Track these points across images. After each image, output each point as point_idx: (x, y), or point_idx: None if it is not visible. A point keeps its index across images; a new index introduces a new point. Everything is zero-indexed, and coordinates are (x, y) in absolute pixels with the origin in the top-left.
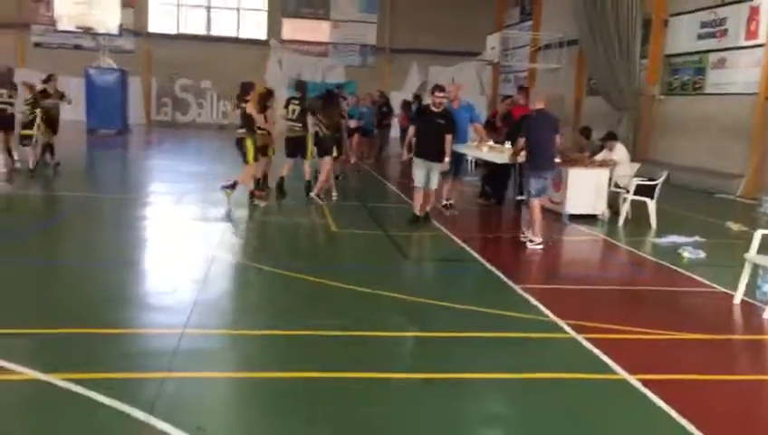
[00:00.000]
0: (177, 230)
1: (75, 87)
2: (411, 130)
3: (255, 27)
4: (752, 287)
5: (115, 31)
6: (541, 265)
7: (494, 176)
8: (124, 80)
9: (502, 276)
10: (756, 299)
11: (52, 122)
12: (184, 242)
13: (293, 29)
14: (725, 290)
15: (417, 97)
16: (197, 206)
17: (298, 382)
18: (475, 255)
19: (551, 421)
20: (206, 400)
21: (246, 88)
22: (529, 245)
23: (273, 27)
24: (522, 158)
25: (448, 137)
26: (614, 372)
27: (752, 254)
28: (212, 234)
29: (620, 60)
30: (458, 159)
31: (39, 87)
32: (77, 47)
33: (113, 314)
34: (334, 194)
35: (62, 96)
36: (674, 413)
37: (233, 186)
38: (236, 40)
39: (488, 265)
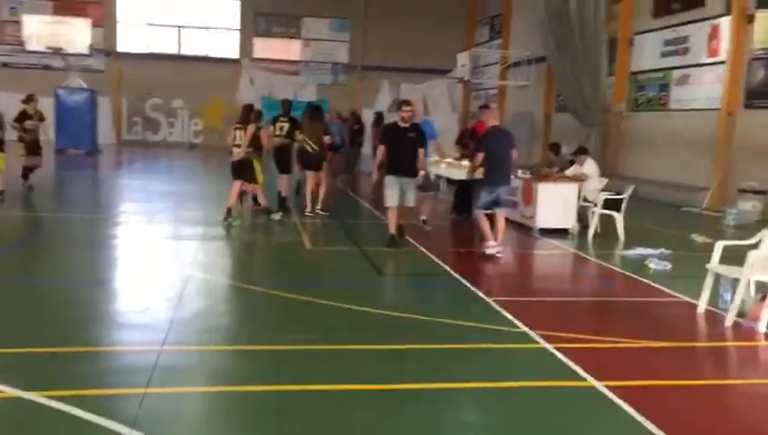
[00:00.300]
0: (151, 249)
1: (44, 107)
2: (381, 149)
3: (227, 46)
4: (714, 297)
5: (85, 51)
6: (512, 278)
7: (466, 191)
8: (93, 99)
9: (474, 289)
10: (719, 308)
11: (33, 145)
12: (158, 261)
13: (265, 48)
14: (690, 300)
15: (379, 114)
16: (170, 225)
17: (275, 396)
18: (448, 269)
19: (523, 428)
20: (187, 414)
21: (251, 110)
22: (487, 251)
23: (245, 46)
24: (480, 174)
25: (420, 151)
26: (583, 380)
27: (713, 264)
28: (186, 252)
29: (587, 77)
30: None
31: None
32: (46, 67)
33: (91, 333)
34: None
35: (41, 117)
36: (639, 417)
37: (266, 210)
38: (207, 59)
39: (461, 279)
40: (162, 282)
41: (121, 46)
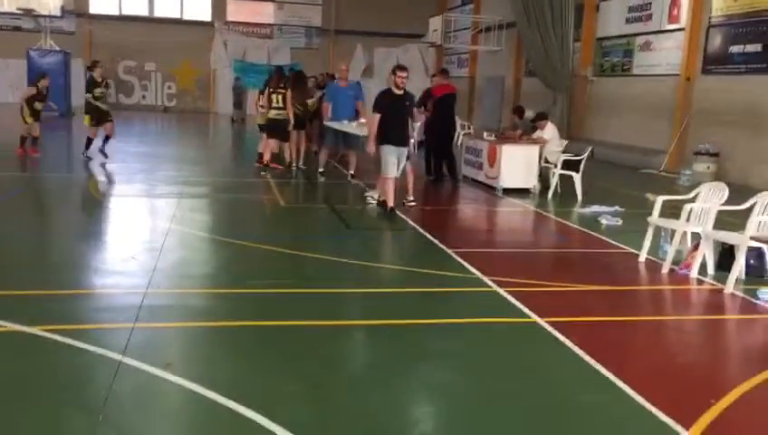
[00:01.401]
0: (133, 205)
1: (16, 69)
2: (376, 118)
3: (199, 8)
4: (655, 247)
5: (57, 12)
6: (473, 232)
7: (437, 153)
8: (67, 61)
9: (437, 242)
10: (659, 257)
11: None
12: (140, 216)
13: (238, 10)
14: (634, 251)
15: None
16: (148, 184)
17: (253, 330)
18: (413, 224)
19: (476, 354)
20: (172, 344)
21: (283, 75)
22: (369, 200)
23: (218, 8)
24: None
25: (420, 115)
26: (528, 317)
27: (654, 217)
28: (166, 209)
29: (555, 43)
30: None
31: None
32: (16, 29)
33: (81, 278)
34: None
35: (107, 84)
36: (574, 347)
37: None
38: (180, 21)
39: (425, 233)
40: (144, 235)
41: (93, 8)
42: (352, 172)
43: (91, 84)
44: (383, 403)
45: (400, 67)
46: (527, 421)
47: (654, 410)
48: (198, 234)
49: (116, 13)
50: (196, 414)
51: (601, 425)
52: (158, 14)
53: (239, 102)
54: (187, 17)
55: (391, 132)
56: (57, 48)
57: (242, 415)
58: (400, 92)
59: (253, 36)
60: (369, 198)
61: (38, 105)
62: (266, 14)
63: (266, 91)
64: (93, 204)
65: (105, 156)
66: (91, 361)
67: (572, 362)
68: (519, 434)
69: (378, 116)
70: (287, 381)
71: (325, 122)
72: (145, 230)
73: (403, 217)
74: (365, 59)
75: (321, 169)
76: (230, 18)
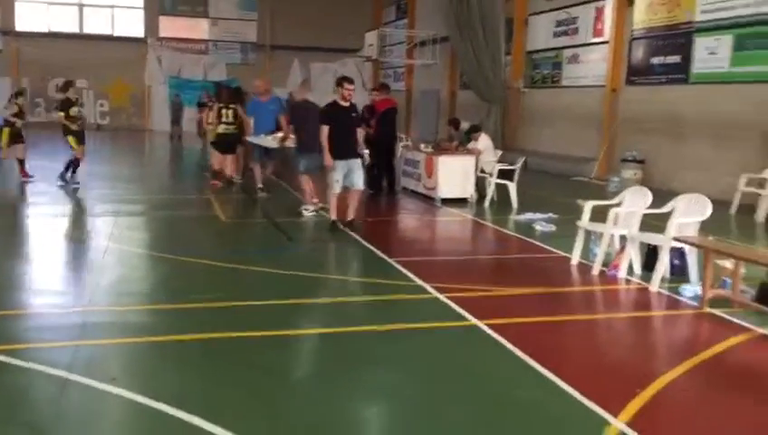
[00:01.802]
0: (70, 224)
1: None
2: (325, 130)
3: (131, 25)
4: (586, 250)
5: None
6: (413, 242)
7: (379, 166)
8: None
9: (378, 252)
10: (589, 260)
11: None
12: (77, 235)
13: (171, 27)
14: (566, 255)
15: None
16: (85, 202)
17: (197, 342)
18: (355, 235)
19: (419, 358)
20: (116, 359)
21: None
22: (305, 213)
23: (150, 25)
24: (291, 142)
25: (360, 130)
26: (466, 320)
27: (584, 222)
28: (103, 227)
29: (487, 56)
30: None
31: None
32: None
33: (21, 298)
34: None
35: (81, 103)
36: (511, 347)
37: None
38: (111, 38)
39: (366, 244)
40: (82, 253)
41: (20, 25)
42: (261, 186)
43: (66, 104)
44: (327, 407)
45: (347, 79)
46: (468, 419)
47: (585, 401)
48: (137, 251)
49: (44, 30)
50: (144, 425)
51: (538, 418)
52: (89, 30)
53: (177, 119)
54: (118, 33)
55: (339, 145)
56: None
57: (188, 423)
58: (347, 104)
59: (187, 52)
60: (303, 211)
61: (19, 123)
62: (200, 29)
63: (215, 106)
64: (29, 223)
65: (74, 181)
66: (38, 379)
67: (510, 361)
68: (461, 432)
69: (326, 129)
70: (231, 389)
71: (247, 138)
72: (82, 249)
73: (345, 229)
74: (302, 74)
75: (260, 185)
76: (163, 34)
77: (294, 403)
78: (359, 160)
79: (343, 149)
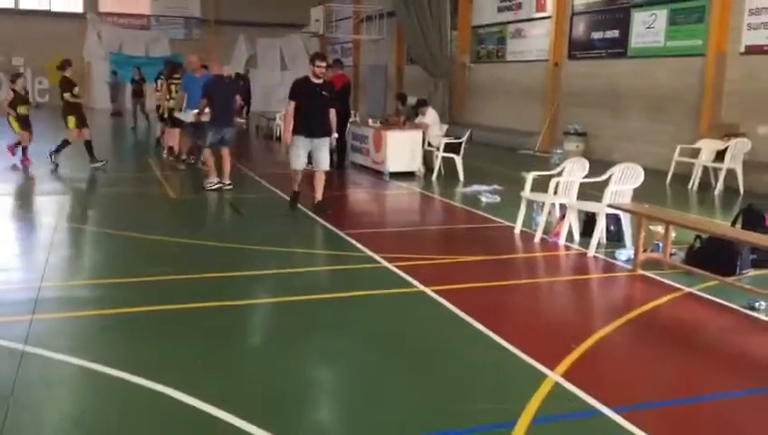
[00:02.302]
0: (15, 204)
1: None
2: (291, 106)
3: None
4: (529, 219)
5: None
6: (362, 215)
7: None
8: None
9: (329, 225)
10: (531, 228)
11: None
12: (25, 214)
13: (112, 1)
14: (510, 224)
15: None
16: (31, 181)
17: (150, 314)
18: (305, 209)
19: (368, 323)
20: (73, 331)
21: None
22: (208, 186)
23: None
24: (207, 117)
25: (332, 111)
26: (414, 287)
27: (526, 192)
28: (51, 206)
29: (433, 31)
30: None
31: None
32: None
33: None
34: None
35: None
36: (455, 309)
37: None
38: (49, 13)
39: (316, 217)
40: (32, 232)
41: None
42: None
43: (67, 84)
44: (280, 370)
45: (318, 56)
46: (412, 375)
47: (524, 356)
48: (87, 228)
49: None
50: (99, 389)
51: (480, 371)
52: (25, 5)
53: (115, 96)
54: (56, 9)
55: (304, 122)
56: None
57: (143, 386)
58: (319, 81)
59: (129, 28)
60: (207, 185)
61: (22, 109)
62: (142, 4)
63: (164, 83)
64: None
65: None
66: None
67: (454, 323)
68: (407, 385)
69: (293, 104)
70: (185, 353)
71: (175, 114)
72: (31, 227)
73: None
74: (248, 50)
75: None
76: (103, 9)
77: (248, 366)
78: (326, 140)
79: (307, 126)
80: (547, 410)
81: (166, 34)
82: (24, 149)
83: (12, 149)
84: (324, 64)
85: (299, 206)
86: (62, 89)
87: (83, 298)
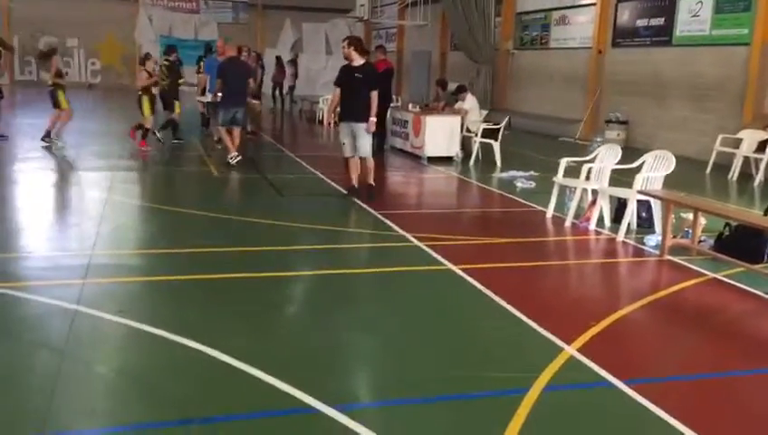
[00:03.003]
0: (69, 179)
1: None
2: (336, 92)
3: None
4: (561, 205)
5: None
6: (399, 196)
7: None
8: None
9: (365, 206)
10: (563, 213)
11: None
12: (77, 189)
13: None
14: (543, 209)
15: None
16: (83, 159)
17: (198, 282)
18: (343, 191)
19: (397, 296)
20: (122, 295)
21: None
22: (230, 160)
23: None
24: (219, 97)
25: (373, 94)
26: (443, 265)
27: (559, 177)
28: (102, 181)
29: (477, 18)
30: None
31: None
32: None
33: (29, 243)
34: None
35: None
36: (481, 286)
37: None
38: None
39: (353, 199)
40: (83, 205)
41: None
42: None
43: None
44: (318, 335)
45: (344, 38)
46: (436, 344)
47: (543, 331)
48: (135, 202)
49: None
50: (146, 347)
51: (498, 344)
52: None
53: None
54: None
55: (342, 107)
56: None
57: (188, 346)
58: (355, 65)
59: (179, 11)
60: (229, 160)
61: (154, 90)
62: None
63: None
64: (30, 178)
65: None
66: (49, 310)
67: (478, 299)
68: (427, 352)
69: (337, 90)
70: (228, 319)
71: (197, 98)
72: (83, 201)
73: (334, 185)
74: (294, 34)
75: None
76: None
77: (288, 331)
78: (362, 125)
79: (344, 110)
80: (559, 380)
81: (214, 18)
82: (146, 132)
83: (135, 133)
84: (344, 44)
85: (334, 186)
86: (178, 75)
87: (134, 266)
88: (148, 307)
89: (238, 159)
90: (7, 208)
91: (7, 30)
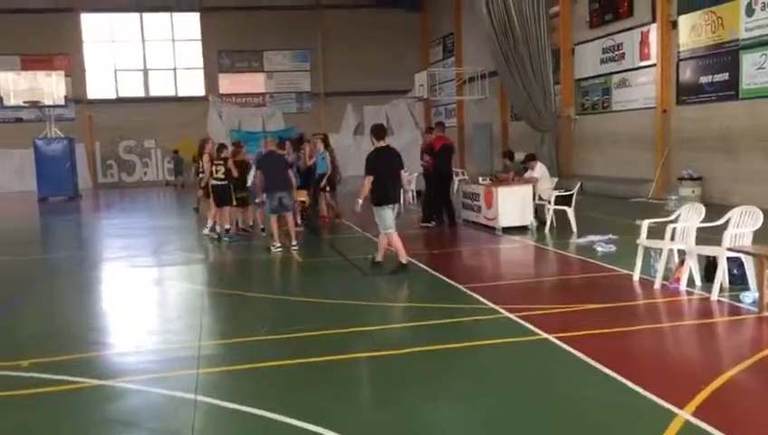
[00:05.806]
0: (166, 272)
1: (20, 158)
2: (369, 179)
3: (193, 85)
4: (647, 267)
5: (61, 101)
6: (480, 269)
7: (433, 200)
8: (71, 147)
9: (449, 281)
10: (650, 275)
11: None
12: (170, 282)
13: (230, 83)
14: (629, 272)
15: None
16: (168, 254)
17: (300, 366)
18: (425, 267)
19: (494, 368)
20: (233, 382)
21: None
22: (272, 248)
23: (211, 83)
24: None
25: (404, 174)
26: (537, 334)
27: (642, 239)
28: (195, 273)
29: (536, 87)
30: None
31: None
32: (18, 120)
33: (139, 339)
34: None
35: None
36: (579, 354)
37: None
38: (175, 98)
39: (437, 274)
40: (181, 297)
41: (91, 93)
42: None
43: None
44: (413, 411)
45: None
46: (539, 417)
47: (652, 396)
48: (229, 292)
49: (113, 96)
50: (262, 431)
51: (604, 411)
52: (154, 93)
53: (180, 170)
54: (182, 94)
55: (390, 191)
56: (62, 135)
57: (298, 427)
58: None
59: (246, 106)
60: (272, 247)
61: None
62: (257, 84)
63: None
64: (123, 274)
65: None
66: (171, 401)
67: (579, 368)
68: (531, 427)
69: (370, 177)
70: (333, 399)
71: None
72: (180, 293)
73: (414, 261)
74: (355, 118)
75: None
76: (223, 91)
77: (386, 408)
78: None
79: (391, 193)
80: None
81: (280, 109)
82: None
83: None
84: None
85: (414, 262)
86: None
87: (240, 353)
88: (259, 392)
89: (294, 247)
90: (113, 305)
91: (90, 139)
